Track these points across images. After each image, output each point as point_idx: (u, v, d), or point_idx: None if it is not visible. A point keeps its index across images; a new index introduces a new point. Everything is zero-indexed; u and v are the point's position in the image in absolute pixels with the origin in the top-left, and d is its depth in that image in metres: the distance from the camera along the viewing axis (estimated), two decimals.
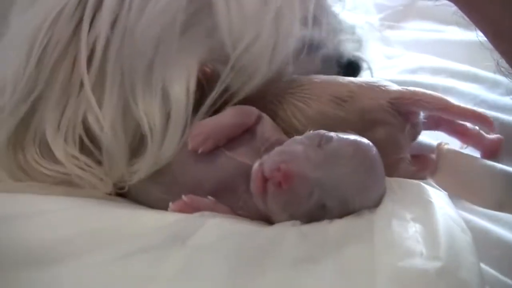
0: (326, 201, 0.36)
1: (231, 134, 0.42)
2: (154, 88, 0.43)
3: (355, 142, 0.38)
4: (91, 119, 0.43)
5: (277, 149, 0.38)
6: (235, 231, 0.36)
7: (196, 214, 0.38)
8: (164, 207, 0.40)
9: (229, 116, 0.43)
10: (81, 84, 0.43)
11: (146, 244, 0.35)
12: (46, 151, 0.43)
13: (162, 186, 0.42)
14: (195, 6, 0.44)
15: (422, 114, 0.46)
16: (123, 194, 0.44)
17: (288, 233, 0.35)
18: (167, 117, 0.43)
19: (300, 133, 0.40)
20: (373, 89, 0.46)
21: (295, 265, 0.33)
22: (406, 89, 0.46)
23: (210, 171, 0.41)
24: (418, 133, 0.47)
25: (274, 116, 0.45)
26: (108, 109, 0.43)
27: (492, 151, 0.50)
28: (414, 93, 0.45)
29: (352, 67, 0.56)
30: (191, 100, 0.43)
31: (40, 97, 0.43)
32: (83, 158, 0.43)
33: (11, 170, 0.44)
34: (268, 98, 0.46)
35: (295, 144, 0.38)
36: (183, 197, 0.39)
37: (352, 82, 0.47)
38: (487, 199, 0.45)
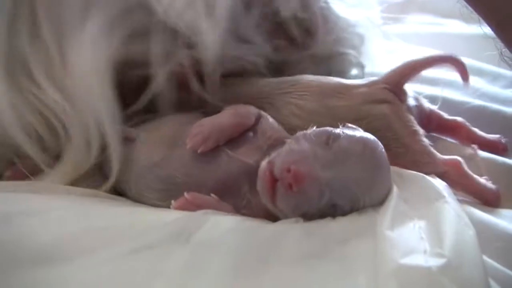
0: (337, 201, 0.36)
1: (231, 134, 0.42)
2: None
3: (362, 139, 0.38)
4: None
5: (286, 147, 0.38)
6: (238, 227, 0.36)
7: (200, 212, 0.38)
8: (166, 207, 0.40)
9: (228, 115, 0.42)
10: None
11: (151, 241, 0.35)
12: None
13: (163, 185, 0.42)
14: None
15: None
16: (124, 193, 0.45)
17: (291, 229, 0.35)
18: None
19: (301, 129, 0.40)
20: (363, 81, 0.48)
21: (299, 261, 0.33)
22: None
23: (212, 171, 0.41)
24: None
25: None
26: None
27: (491, 148, 0.50)
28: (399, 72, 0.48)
29: None
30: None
31: None
32: None
33: None
34: (256, 103, 0.46)
35: (303, 142, 0.38)
36: (185, 194, 0.39)
37: (342, 80, 0.48)
38: None
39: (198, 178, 0.41)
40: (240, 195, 0.40)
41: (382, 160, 0.38)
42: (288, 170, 0.35)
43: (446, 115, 0.51)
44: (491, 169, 0.47)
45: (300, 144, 0.37)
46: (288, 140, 0.39)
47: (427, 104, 0.51)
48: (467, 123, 0.51)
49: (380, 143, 0.39)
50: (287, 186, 0.35)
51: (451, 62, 0.48)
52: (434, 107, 0.51)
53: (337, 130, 0.38)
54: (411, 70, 0.48)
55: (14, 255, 0.35)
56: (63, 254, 0.34)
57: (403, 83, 0.47)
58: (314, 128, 0.39)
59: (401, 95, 0.47)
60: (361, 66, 0.62)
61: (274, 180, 0.36)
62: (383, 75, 0.48)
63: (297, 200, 0.36)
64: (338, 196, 0.36)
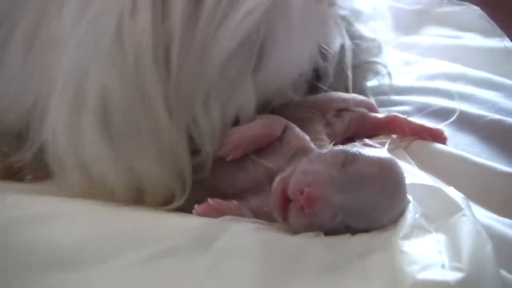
0: (351, 223, 0.37)
1: (259, 143, 0.43)
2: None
3: (379, 160, 0.38)
4: None
5: (301, 167, 0.38)
6: (260, 238, 0.37)
7: (221, 219, 0.38)
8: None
9: (258, 126, 0.44)
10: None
11: (171, 247, 0.35)
12: None
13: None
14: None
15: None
16: None
17: (312, 243, 0.36)
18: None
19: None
20: None
21: (320, 274, 0.33)
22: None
23: (238, 176, 0.43)
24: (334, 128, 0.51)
25: None
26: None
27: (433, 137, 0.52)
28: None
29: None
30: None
31: None
32: None
33: None
34: None
35: (319, 163, 0.38)
36: (209, 200, 0.40)
37: None
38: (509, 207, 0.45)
39: (224, 182, 0.43)
40: (262, 195, 0.41)
41: (398, 180, 0.38)
42: (301, 192, 0.36)
43: (381, 115, 0.54)
44: (508, 182, 0.47)
45: (316, 165, 0.38)
46: (304, 159, 0.39)
47: (357, 113, 0.53)
48: (403, 116, 0.53)
49: (396, 162, 0.39)
50: (299, 208, 0.36)
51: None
52: (367, 112, 0.54)
53: (354, 151, 0.38)
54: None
55: (30, 260, 0.35)
56: (82, 259, 0.35)
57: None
58: (331, 146, 0.40)
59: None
60: (388, 75, 0.62)
61: (287, 200, 0.37)
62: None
63: (308, 221, 0.36)
64: (351, 218, 0.36)
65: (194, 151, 0.43)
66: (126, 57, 0.41)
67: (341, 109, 0.52)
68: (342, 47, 0.51)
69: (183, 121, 0.42)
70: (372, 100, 0.61)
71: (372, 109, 0.55)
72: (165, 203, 0.43)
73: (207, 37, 0.42)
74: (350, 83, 0.52)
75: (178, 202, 0.42)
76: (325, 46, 0.51)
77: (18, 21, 0.48)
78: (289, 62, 0.47)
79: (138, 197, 0.43)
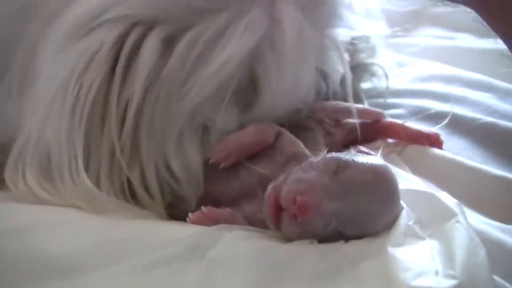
0: (343, 230, 0.36)
1: (251, 151, 0.44)
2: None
3: (372, 167, 0.38)
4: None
5: (294, 176, 0.38)
6: (253, 246, 0.36)
7: (215, 227, 0.38)
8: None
9: (250, 133, 0.44)
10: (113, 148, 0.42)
11: (165, 256, 0.35)
12: None
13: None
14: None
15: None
16: None
17: (305, 250, 0.36)
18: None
19: None
20: None
21: (313, 282, 0.33)
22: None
23: (231, 183, 0.43)
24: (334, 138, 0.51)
25: None
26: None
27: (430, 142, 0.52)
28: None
29: None
30: None
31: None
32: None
33: None
34: None
35: (312, 171, 0.38)
36: (203, 208, 0.40)
37: None
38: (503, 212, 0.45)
39: (218, 189, 0.43)
40: (255, 202, 0.41)
41: (392, 187, 0.38)
42: (294, 201, 0.35)
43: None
44: (502, 186, 0.47)
45: (308, 172, 0.37)
46: (297, 167, 0.39)
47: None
48: (400, 122, 0.54)
49: (389, 169, 0.39)
50: (292, 217, 0.36)
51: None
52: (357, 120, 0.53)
53: (347, 158, 0.38)
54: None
55: (25, 269, 0.35)
56: (78, 267, 0.35)
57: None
58: (325, 153, 0.40)
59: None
60: (385, 77, 0.63)
61: (279, 209, 0.37)
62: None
63: (301, 229, 0.36)
64: (344, 226, 0.36)
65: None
66: (63, 114, 0.41)
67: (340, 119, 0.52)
68: (343, 77, 0.51)
69: (153, 172, 0.43)
70: (366, 103, 0.61)
71: (379, 120, 0.54)
72: None
73: (173, 88, 0.42)
74: (353, 109, 0.51)
75: None
76: (326, 74, 0.50)
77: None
78: (286, 96, 0.46)
79: None
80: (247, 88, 0.44)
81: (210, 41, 0.41)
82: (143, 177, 0.43)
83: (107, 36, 0.41)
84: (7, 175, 0.44)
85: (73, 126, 0.41)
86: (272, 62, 0.43)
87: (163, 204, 0.43)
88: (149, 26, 0.42)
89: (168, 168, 0.43)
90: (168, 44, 0.42)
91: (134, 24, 0.42)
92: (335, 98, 0.53)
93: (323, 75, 0.51)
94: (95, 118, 0.42)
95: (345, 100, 0.52)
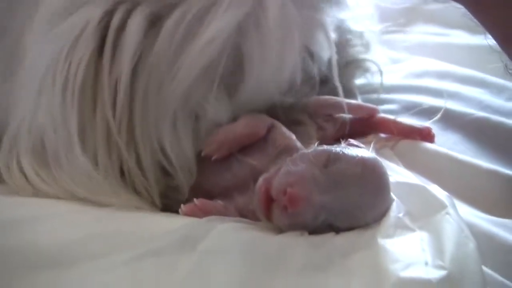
0: (333, 222, 0.37)
1: (243, 143, 0.44)
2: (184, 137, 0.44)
3: (362, 160, 0.38)
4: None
5: (284, 168, 0.38)
6: (244, 237, 0.37)
7: (205, 219, 0.38)
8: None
9: (241, 126, 0.45)
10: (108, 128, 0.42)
11: (156, 248, 0.35)
12: None
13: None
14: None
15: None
16: None
17: (296, 242, 0.36)
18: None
19: None
20: None
21: (303, 273, 0.33)
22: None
23: (223, 175, 0.43)
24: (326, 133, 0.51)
25: None
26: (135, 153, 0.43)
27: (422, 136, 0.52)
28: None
29: None
30: None
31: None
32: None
33: None
34: None
35: (302, 163, 0.38)
36: (195, 200, 0.41)
37: None
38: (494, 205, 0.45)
39: (210, 181, 0.44)
40: (247, 193, 0.42)
41: (382, 180, 0.38)
42: (284, 193, 0.36)
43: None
44: (494, 180, 0.48)
45: (299, 165, 0.38)
46: (288, 159, 0.39)
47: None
48: (391, 117, 0.54)
49: (380, 162, 0.39)
50: (282, 208, 0.36)
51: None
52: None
53: (337, 150, 0.38)
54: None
55: (16, 261, 0.35)
56: (68, 260, 0.35)
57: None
58: (316, 146, 0.40)
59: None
60: (379, 73, 0.63)
61: (270, 200, 0.37)
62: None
63: (291, 220, 0.36)
64: (334, 218, 0.36)
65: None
66: (54, 93, 0.41)
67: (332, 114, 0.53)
68: (330, 59, 0.51)
69: (148, 154, 0.42)
70: (359, 99, 0.61)
71: (373, 115, 0.54)
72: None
73: (163, 68, 0.42)
74: (340, 93, 0.51)
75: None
76: (313, 54, 0.50)
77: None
78: (271, 76, 0.46)
79: None
80: (234, 70, 0.44)
81: (196, 18, 0.41)
82: (139, 161, 0.43)
83: (92, 14, 0.42)
84: (1, 162, 0.44)
85: (66, 106, 0.41)
86: (256, 40, 0.43)
87: (158, 191, 0.43)
88: (135, 3, 0.42)
89: (163, 151, 0.43)
90: (155, 22, 0.42)
91: (120, 2, 0.42)
92: (324, 82, 0.53)
93: (311, 55, 0.50)
94: (87, 97, 0.42)
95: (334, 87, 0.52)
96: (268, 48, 0.44)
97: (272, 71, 0.45)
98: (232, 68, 0.44)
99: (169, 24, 0.41)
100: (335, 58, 0.50)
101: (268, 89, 0.47)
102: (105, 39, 0.42)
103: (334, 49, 0.50)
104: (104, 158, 0.42)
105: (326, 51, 0.51)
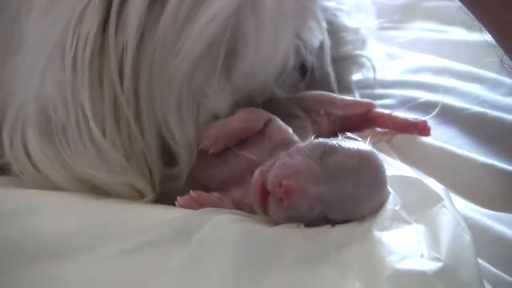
0: (329, 214, 0.37)
1: (240, 137, 0.44)
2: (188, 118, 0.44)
3: (358, 152, 0.38)
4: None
5: (280, 161, 0.38)
6: (239, 229, 0.36)
7: (201, 210, 0.38)
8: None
9: (238, 119, 0.45)
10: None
11: (152, 239, 0.35)
12: None
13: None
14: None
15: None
16: None
17: (292, 234, 0.36)
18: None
19: None
20: None
21: (298, 266, 0.33)
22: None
23: (220, 168, 0.43)
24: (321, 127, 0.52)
25: None
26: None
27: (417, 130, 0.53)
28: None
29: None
30: None
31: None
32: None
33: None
34: None
35: (298, 156, 0.38)
36: (191, 192, 0.41)
37: None
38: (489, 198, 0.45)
39: (207, 174, 0.44)
40: (243, 186, 0.42)
41: (378, 172, 0.38)
42: (280, 185, 0.36)
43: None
44: (489, 174, 0.48)
45: (295, 157, 0.38)
46: (283, 153, 0.39)
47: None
48: (387, 111, 0.54)
49: (376, 155, 0.39)
50: (278, 200, 0.36)
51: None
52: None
53: (333, 143, 0.38)
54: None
55: (14, 252, 0.35)
56: (63, 251, 0.35)
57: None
58: (312, 138, 0.40)
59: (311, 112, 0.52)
60: (372, 68, 0.63)
61: (266, 193, 0.37)
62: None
63: (287, 213, 0.36)
64: (330, 210, 0.36)
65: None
66: (63, 70, 0.41)
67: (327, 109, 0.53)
68: (322, 44, 0.52)
69: (153, 129, 0.43)
70: (356, 94, 0.61)
71: (369, 110, 0.55)
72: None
73: (167, 44, 0.42)
74: (332, 80, 0.52)
75: (148, 200, 0.42)
76: (305, 41, 0.51)
77: None
78: (265, 60, 0.46)
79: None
80: (229, 51, 0.44)
81: None
82: (143, 135, 0.43)
83: None
84: (6, 140, 0.44)
85: (77, 79, 0.41)
86: (252, 22, 0.44)
87: (160, 173, 0.43)
88: None
89: (168, 127, 0.43)
90: None
91: None
92: (314, 71, 0.53)
93: (303, 43, 0.51)
94: (95, 70, 0.41)
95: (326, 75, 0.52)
96: (263, 30, 0.44)
97: (266, 53, 0.46)
98: (228, 50, 0.44)
99: (173, 1, 0.42)
100: (328, 43, 0.51)
101: (262, 72, 0.47)
102: (109, 11, 0.42)
103: (326, 34, 0.50)
104: (113, 131, 0.42)
105: (318, 39, 0.51)
